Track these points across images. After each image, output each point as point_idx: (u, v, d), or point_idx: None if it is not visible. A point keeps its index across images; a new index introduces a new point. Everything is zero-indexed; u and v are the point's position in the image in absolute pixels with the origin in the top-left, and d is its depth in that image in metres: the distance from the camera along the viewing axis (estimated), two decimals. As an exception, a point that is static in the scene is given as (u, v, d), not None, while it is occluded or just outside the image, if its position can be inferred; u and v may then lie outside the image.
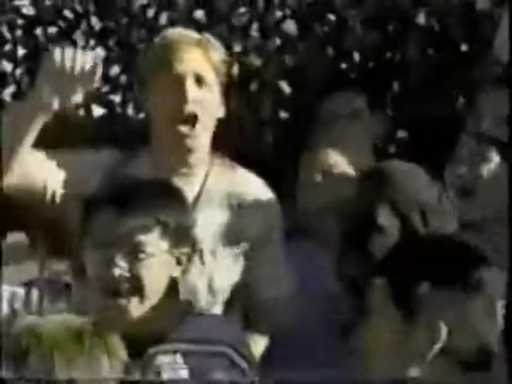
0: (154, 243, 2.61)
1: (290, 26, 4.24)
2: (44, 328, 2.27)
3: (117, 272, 2.59)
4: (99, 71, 2.81)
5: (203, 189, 3.09)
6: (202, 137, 3.02)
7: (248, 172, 3.23)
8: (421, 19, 4.29)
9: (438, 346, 2.13)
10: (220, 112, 3.09)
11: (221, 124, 3.13)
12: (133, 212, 2.61)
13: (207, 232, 3.08)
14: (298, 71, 4.22)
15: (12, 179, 2.92)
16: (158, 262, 2.63)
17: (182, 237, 2.68)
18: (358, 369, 2.23)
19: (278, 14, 4.26)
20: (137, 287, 2.62)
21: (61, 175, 3.04)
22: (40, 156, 3.05)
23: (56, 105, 2.80)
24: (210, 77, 2.99)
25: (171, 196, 2.72)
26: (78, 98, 2.90)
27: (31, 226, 4.31)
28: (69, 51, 2.80)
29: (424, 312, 2.14)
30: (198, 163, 3.06)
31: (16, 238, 4.53)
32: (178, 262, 2.67)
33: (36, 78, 3.04)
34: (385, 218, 2.75)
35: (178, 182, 2.92)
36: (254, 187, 3.16)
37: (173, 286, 2.71)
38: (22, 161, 2.97)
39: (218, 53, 3.04)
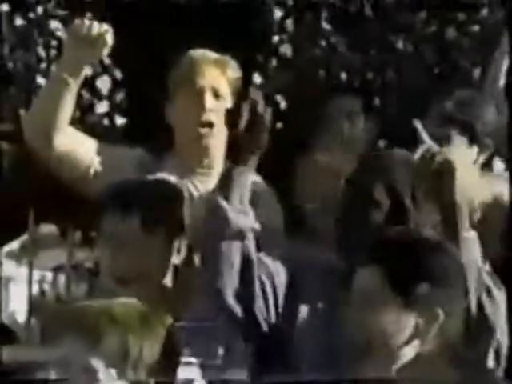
0: (154, 237, 2.78)
1: (287, 50, 4.54)
2: (117, 310, 2.34)
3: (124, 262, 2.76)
4: (110, 38, 3.20)
5: (220, 186, 3.24)
6: (216, 140, 3.24)
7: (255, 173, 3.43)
8: (399, 44, 4.64)
9: (435, 328, 2.19)
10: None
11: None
12: (135, 211, 2.75)
13: None
14: (293, 87, 4.50)
15: (55, 151, 3.09)
16: (158, 252, 2.79)
17: (179, 229, 2.85)
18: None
19: (275, 38, 4.57)
20: (142, 275, 2.77)
21: (98, 158, 3.19)
22: (80, 135, 3.19)
23: (81, 69, 3.05)
24: (225, 90, 3.24)
25: (171, 193, 2.92)
26: (96, 59, 3.21)
27: (65, 215, 4.42)
28: (86, 21, 3.22)
29: (421, 300, 2.21)
30: (213, 165, 3.27)
31: (48, 229, 4.69)
32: (178, 251, 2.83)
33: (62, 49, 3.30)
34: (380, 194, 2.86)
35: (196, 181, 3.14)
36: (258, 186, 3.30)
37: (175, 272, 2.88)
38: (63, 133, 3.11)
39: (232, 71, 3.28)
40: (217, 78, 3.26)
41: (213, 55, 3.34)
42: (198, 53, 3.37)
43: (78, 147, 3.15)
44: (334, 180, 3.26)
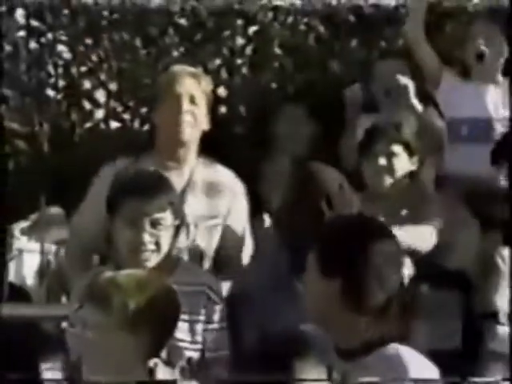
0: (167, 218, 2.96)
1: (247, 70, 4.96)
2: (121, 279, 2.49)
3: (146, 238, 2.92)
4: None
5: (190, 180, 3.45)
6: (190, 137, 3.39)
7: (223, 167, 3.57)
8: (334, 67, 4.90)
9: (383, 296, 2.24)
10: (205, 124, 3.47)
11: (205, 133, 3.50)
12: (151, 197, 2.93)
13: (192, 210, 3.42)
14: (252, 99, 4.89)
15: None
16: (168, 231, 2.97)
17: (179, 212, 3.04)
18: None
19: (239, 61, 5.00)
20: (156, 247, 2.94)
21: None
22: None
23: None
24: (200, 98, 3.42)
25: (167, 182, 3.06)
26: None
27: (68, 199, 4.46)
28: None
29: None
30: (187, 159, 3.41)
31: (54, 210, 4.89)
32: (177, 230, 3.02)
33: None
34: (309, 209, 2.94)
35: (170, 175, 3.23)
36: (227, 179, 3.51)
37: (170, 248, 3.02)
38: None
39: (206, 82, 3.48)
40: (193, 86, 3.44)
41: (190, 69, 3.57)
42: (178, 67, 3.60)
43: None
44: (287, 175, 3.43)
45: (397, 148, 3.56)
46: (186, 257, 3.36)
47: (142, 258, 2.93)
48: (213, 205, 3.46)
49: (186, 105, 3.42)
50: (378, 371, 2.23)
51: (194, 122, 3.43)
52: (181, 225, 3.12)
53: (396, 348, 2.30)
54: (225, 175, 3.53)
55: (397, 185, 3.56)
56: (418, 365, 2.28)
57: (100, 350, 2.44)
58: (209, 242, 3.45)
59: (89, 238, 3.47)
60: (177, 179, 3.33)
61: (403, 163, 3.56)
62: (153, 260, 2.94)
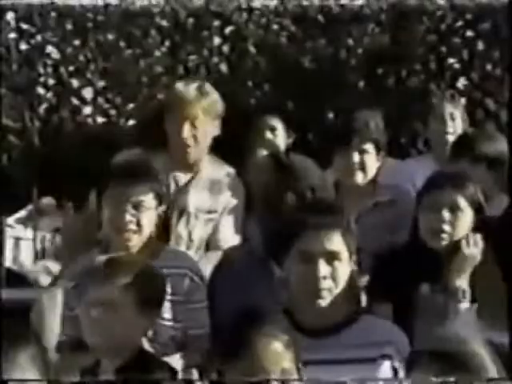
0: (149, 201, 2.96)
1: (224, 68, 4.97)
2: (120, 260, 2.60)
3: (127, 218, 2.92)
4: None
5: (195, 175, 3.53)
6: (198, 148, 3.44)
7: (227, 165, 3.59)
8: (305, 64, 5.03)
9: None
10: (216, 131, 3.48)
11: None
12: (134, 181, 2.94)
13: (194, 203, 3.50)
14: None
15: None
16: (150, 214, 2.96)
17: (162, 200, 3.00)
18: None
19: (216, 59, 5.00)
20: (138, 228, 2.93)
21: None
22: None
23: None
24: (202, 121, 3.41)
25: (152, 170, 3.07)
26: None
27: (60, 190, 4.61)
28: None
29: None
30: (196, 160, 3.48)
31: (47, 200, 4.88)
32: (165, 215, 3.01)
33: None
34: (290, 198, 2.89)
35: (178, 173, 3.40)
36: (230, 178, 3.55)
37: (165, 233, 3.03)
38: None
39: (210, 101, 3.43)
40: (195, 111, 3.42)
41: (194, 90, 3.45)
42: (182, 87, 3.49)
43: None
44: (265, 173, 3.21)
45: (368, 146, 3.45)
46: (182, 245, 3.41)
47: (124, 237, 2.93)
48: (214, 200, 3.51)
49: (186, 131, 3.45)
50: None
51: (196, 143, 3.47)
52: (171, 211, 3.15)
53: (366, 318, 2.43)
54: (228, 174, 3.57)
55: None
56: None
57: (108, 326, 2.46)
58: (205, 233, 3.51)
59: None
60: (184, 175, 3.44)
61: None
62: (134, 240, 2.93)
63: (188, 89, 3.47)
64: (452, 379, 1.94)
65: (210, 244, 3.52)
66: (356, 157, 3.47)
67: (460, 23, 5.10)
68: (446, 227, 2.85)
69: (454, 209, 2.88)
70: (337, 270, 2.42)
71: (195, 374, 2.80)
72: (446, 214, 2.87)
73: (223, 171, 3.58)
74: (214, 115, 3.50)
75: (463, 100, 4.30)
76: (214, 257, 3.29)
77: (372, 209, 3.46)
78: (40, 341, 2.05)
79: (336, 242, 2.45)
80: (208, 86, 3.51)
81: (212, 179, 3.52)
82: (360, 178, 3.48)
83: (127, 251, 2.90)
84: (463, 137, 3.65)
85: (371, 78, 4.92)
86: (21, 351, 1.94)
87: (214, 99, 3.49)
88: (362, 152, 3.48)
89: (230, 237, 3.51)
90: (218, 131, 3.52)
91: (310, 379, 2.26)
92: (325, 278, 2.40)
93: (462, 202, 2.90)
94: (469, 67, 4.99)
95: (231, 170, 3.56)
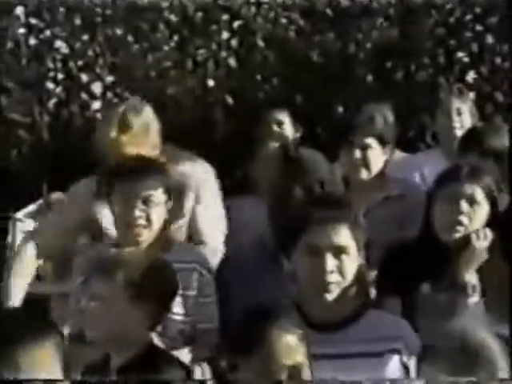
0: (158, 196, 2.96)
1: (233, 62, 5.01)
2: (127, 256, 2.59)
3: (137, 213, 2.92)
4: None
5: None
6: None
7: (189, 159, 3.43)
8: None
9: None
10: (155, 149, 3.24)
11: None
12: (143, 176, 2.95)
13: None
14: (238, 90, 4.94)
15: None
16: (159, 208, 2.96)
17: (171, 194, 3.00)
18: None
19: (224, 53, 5.05)
20: (148, 223, 2.93)
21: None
22: None
23: None
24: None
25: (161, 166, 3.10)
26: None
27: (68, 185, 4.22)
28: None
29: None
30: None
31: (57, 195, 4.82)
32: (169, 210, 2.99)
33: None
34: (298, 192, 2.87)
35: None
36: (193, 172, 3.39)
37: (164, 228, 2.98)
38: None
39: (150, 132, 3.25)
40: (139, 139, 3.24)
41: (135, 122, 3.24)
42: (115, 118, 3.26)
43: None
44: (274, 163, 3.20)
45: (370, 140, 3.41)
46: (182, 238, 3.39)
47: (134, 233, 2.93)
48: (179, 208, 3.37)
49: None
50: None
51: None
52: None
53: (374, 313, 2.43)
54: (191, 169, 3.43)
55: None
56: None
57: (104, 320, 2.47)
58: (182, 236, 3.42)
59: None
60: None
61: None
62: (145, 235, 2.94)
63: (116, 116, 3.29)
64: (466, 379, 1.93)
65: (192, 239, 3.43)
66: (358, 153, 3.44)
67: (469, 17, 5.08)
68: (464, 219, 2.81)
69: (472, 201, 2.85)
70: (344, 263, 2.41)
71: (207, 373, 2.77)
72: (464, 206, 2.82)
73: (184, 167, 3.42)
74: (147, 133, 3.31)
75: (472, 94, 4.28)
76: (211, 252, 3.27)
77: (381, 203, 3.44)
78: (59, 331, 2.01)
79: (343, 235, 2.44)
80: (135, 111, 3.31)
81: (176, 181, 3.30)
82: (364, 174, 3.45)
83: (137, 246, 2.89)
84: (472, 131, 3.62)
85: (380, 72, 4.92)
86: (41, 344, 1.87)
87: (144, 120, 3.31)
88: (365, 148, 3.44)
89: (209, 227, 3.43)
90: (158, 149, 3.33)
91: (324, 379, 2.27)
92: (332, 271, 2.39)
93: (480, 195, 2.86)
94: (478, 61, 4.97)
95: (194, 162, 3.44)
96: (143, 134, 3.28)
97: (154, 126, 3.32)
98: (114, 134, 3.24)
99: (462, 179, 2.84)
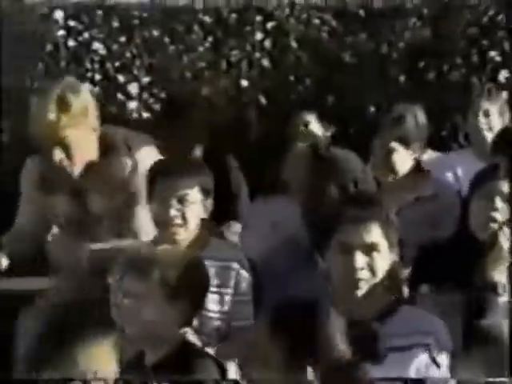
0: (194, 195, 2.96)
1: (266, 62, 5.05)
2: (162, 254, 2.59)
3: (172, 213, 2.93)
4: None
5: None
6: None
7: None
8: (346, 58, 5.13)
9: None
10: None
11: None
12: (180, 175, 2.95)
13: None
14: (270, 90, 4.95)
15: None
16: (195, 207, 2.96)
17: (210, 193, 3.00)
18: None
19: (258, 54, 5.08)
20: (184, 222, 2.94)
21: None
22: None
23: None
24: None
25: (199, 165, 3.11)
26: None
27: None
28: None
29: None
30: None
31: None
32: (207, 209, 3.00)
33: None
34: (332, 191, 2.93)
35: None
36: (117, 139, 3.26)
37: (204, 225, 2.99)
38: None
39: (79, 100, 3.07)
40: (78, 121, 3.06)
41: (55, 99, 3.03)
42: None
43: None
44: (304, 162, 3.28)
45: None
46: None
47: (171, 232, 2.92)
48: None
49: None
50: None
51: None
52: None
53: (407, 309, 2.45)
54: (115, 136, 3.24)
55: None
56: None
57: (138, 317, 2.49)
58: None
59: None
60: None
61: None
62: (182, 234, 2.93)
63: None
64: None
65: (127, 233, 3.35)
66: (383, 157, 3.43)
67: (502, 16, 5.07)
68: (498, 216, 2.83)
69: (505, 199, 2.86)
70: (375, 261, 2.43)
71: (237, 374, 2.76)
72: (499, 203, 2.84)
73: (108, 135, 3.27)
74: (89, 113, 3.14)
75: (504, 93, 4.26)
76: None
77: (413, 203, 3.43)
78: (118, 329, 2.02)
79: (374, 233, 2.46)
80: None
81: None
82: (390, 177, 3.44)
83: (175, 244, 2.89)
84: (504, 132, 3.62)
85: (412, 72, 4.92)
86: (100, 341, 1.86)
87: (82, 100, 3.12)
88: (390, 152, 3.42)
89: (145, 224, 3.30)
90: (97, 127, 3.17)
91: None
92: (362, 268, 2.42)
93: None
94: (510, 60, 4.97)
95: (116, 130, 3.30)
96: (82, 115, 3.06)
97: (93, 108, 3.11)
98: (52, 115, 3.03)
99: (497, 177, 2.86)
